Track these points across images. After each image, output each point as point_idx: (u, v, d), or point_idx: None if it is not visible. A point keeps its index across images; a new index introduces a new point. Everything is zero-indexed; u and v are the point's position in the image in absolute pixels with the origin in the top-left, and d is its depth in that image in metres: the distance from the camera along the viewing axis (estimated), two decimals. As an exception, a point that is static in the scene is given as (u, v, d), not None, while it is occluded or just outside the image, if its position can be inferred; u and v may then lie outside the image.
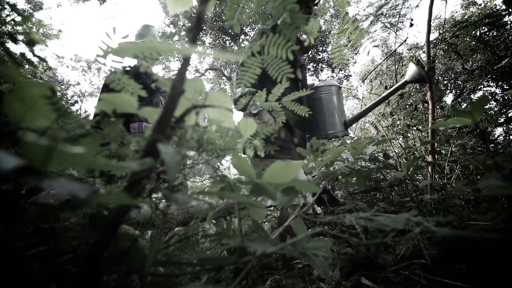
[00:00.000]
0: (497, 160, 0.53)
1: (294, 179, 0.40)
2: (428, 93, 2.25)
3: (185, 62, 0.32)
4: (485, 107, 0.59)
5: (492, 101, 4.82)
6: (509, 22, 3.86)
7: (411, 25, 3.46)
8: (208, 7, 0.33)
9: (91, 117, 0.45)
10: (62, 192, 0.21)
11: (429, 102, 2.26)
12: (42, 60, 0.49)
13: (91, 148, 0.31)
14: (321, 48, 11.59)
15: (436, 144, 2.29)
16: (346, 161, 0.58)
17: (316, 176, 0.53)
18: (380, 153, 1.21)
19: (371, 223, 0.40)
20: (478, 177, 1.82)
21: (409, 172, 1.22)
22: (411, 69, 1.57)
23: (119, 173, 0.40)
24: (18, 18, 0.61)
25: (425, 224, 0.39)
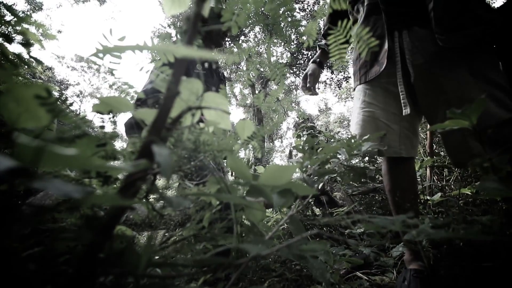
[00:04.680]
0: (494, 162, 0.53)
1: (290, 182, 0.40)
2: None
3: (181, 63, 0.32)
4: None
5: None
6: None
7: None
8: (204, 8, 0.33)
9: (88, 118, 0.45)
10: (55, 193, 0.21)
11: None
12: (38, 61, 0.49)
13: (86, 149, 0.31)
14: (320, 50, 11.60)
15: (434, 146, 2.29)
16: (342, 158, 0.58)
17: (311, 175, 0.53)
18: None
19: (368, 226, 0.40)
20: (477, 179, 1.82)
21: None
22: None
23: (115, 174, 0.40)
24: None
25: (421, 226, 0.39)
